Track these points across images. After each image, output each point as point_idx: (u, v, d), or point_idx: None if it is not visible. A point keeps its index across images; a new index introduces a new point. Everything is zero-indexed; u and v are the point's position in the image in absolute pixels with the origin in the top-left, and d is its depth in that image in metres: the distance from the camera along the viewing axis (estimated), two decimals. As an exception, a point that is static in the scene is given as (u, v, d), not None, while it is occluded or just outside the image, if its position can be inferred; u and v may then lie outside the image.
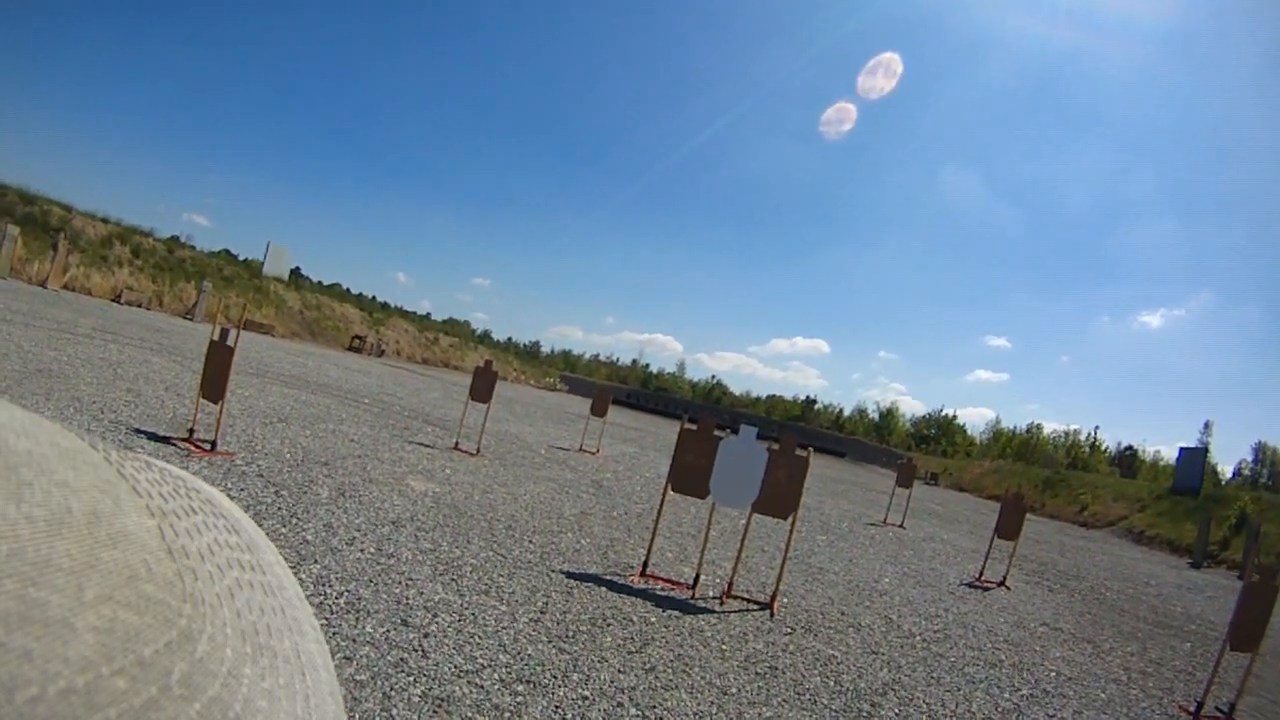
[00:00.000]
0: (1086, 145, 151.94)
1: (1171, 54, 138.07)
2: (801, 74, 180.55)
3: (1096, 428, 75.89)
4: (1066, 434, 72.29)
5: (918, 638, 5.46)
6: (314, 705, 0.21)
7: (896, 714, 3.82)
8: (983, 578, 8.69)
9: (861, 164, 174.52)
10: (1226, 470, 60.20)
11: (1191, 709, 5.12)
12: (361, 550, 4.32)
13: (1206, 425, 65.93)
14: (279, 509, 4.75)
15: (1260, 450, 65.70)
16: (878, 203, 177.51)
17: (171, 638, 0.17)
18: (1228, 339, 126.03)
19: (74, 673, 0.14)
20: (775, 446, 5.29)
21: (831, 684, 4.03)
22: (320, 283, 55.23)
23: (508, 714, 2.78)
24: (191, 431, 6.08)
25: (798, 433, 5.71)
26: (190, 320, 24.28)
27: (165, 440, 5.92)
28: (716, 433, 5.32)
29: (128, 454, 0.22)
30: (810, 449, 5.35)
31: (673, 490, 5.33)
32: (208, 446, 5.89)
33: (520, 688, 3.04)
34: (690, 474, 5.25)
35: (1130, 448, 67.99)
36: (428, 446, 8.98)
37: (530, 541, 5.52)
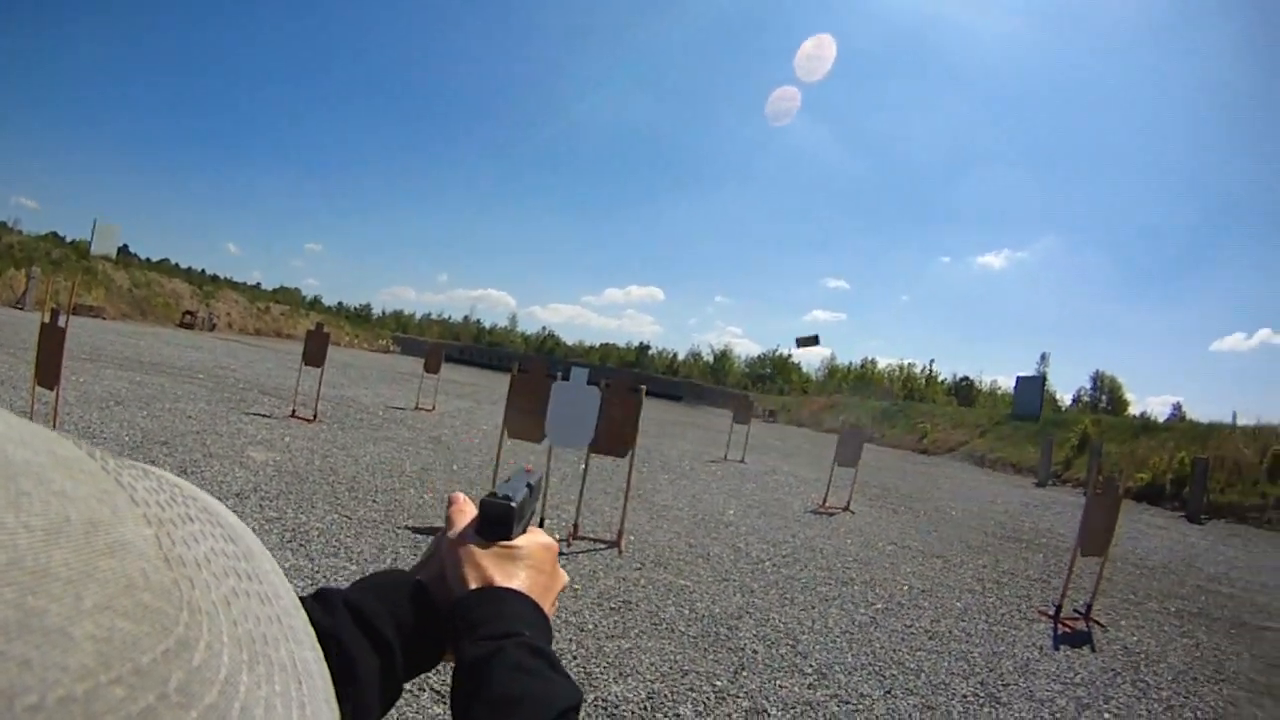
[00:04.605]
0: (937, 98, 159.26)
1: (1030, 11, 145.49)
2: (637, 16, 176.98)
3: (932, 361, 79.27)
4: (901, 367, 76.01)
5: (767, 563, 5.68)
6: (310, 713, 0.21)
7: (755, 634, 3.96)
8: (827, 504, 9.07)
9: (700, 111, 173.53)
10: (1065, 398, 64.83)
11: (1050, 612, 5.45)
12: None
13: (1043, 357, 68.86)
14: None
15: (1098, 378, 69.00)
16: (715, 150, 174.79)
17: (169, 646, 0.17)
18: (1067, 279, 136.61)
19: (72, 681, 0.14)
20: (608, 385, 5.29)
21: (686, 612, 4.14)
22: (149, 259, 54.07)
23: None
24: (18, 421, 5.38)
25: (631, 378, 5.75)
26: (21, 310, 22.40)
27: None
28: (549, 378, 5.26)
29: (125, 462, 0.22)
30: (644, 388, 5.41)
31: (509, 436, 5.27)
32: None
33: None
34: (525, 418, 5.21)
35: (966, 378, 72.32)
36: (265, 416, 8.86)
37: (374, 501, 5.46)
